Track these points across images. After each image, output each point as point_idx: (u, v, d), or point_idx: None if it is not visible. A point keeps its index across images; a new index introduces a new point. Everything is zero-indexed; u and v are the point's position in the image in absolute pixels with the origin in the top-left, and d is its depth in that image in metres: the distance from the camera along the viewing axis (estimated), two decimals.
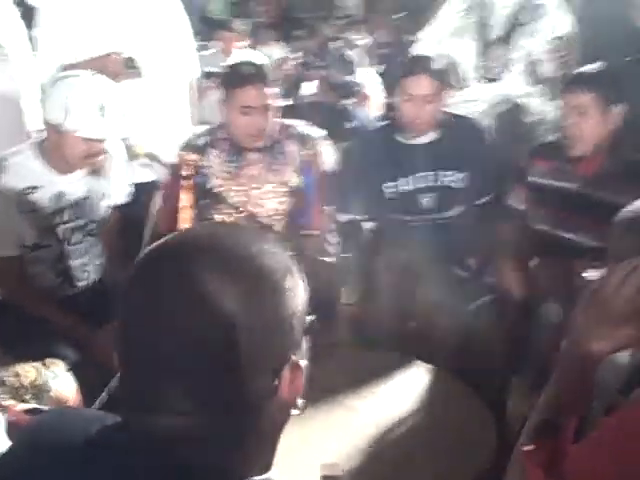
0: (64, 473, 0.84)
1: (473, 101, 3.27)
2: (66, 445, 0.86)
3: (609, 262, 1.26)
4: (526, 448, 1.17)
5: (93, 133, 2.27)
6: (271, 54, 7.82)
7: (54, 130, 2.27)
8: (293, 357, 0.84)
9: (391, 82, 4.97)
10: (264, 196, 2.66)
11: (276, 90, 2.59)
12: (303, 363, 0.86)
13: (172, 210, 2.60)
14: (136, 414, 0.81)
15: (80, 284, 2.52)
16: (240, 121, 2.53)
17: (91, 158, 2.32)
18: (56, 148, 2.30)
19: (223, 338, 0.78)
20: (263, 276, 0.82)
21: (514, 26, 3.22)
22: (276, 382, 0.82)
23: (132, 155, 2.57)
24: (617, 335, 1.16)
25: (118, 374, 0.84)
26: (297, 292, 0.85)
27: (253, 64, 2.62)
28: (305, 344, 0.88)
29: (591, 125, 2.33)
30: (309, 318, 0.88)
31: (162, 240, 0.86)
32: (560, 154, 2.45)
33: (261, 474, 0.85)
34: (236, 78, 2.53)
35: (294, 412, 0.88)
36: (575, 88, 2.33)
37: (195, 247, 0.83)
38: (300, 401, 0.88)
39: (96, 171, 2.37)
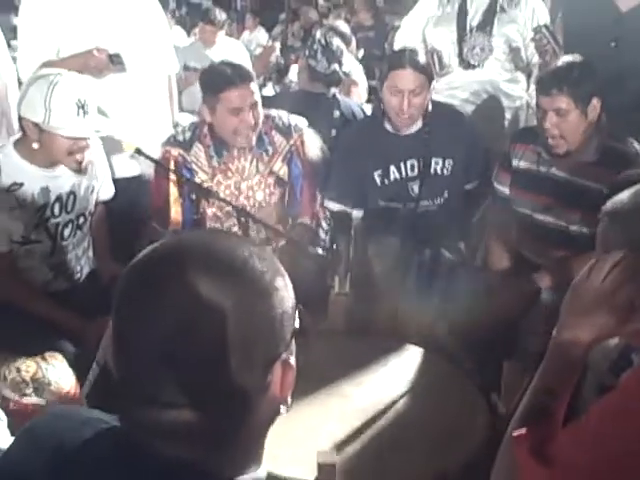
0: (60, 474, 0.87)
1: (456, 88, 3.29)
2: (61, 447, 0.89)
3: (597, 252, 1.28)
4: (516, 433, 1.20)
5: (75, 132, 2.28)
6: (255, 39, 7.82)
7: (35, 128, 2.27)
8: (284, 355, 0.88)
9: (371, 66, 4.98)
10: (253, 188, 2.68)
11: (256, 86, 2.59)
12: (293, 361, 0.90)
13: (163, 204, 2.61)
14: (131, 407, 0.85)
15: (74, 278, 2.55)
16: (230, 122, 2.53)
17: (75, 154, 2.33)
18: (38, 145, 2.30)
19: (217, 335, 0.81)
20: (254, 277, 0.85)
21: (494, 13, 3.22)
22: (268, 378, 0.86)
23: (120, 150, 2.57)
24: (600, 326, 1.20)
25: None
26: (286, 292, 0.89)
27: (233, 65, 2.60)
28: (294, 343, 0.91)
29: (572, 125, 2.34)
30: (298, 316, 0.92)
31: (155, 244, 0.89)
32: (541, 140, 2.47)
33: (251, 470, 0.89)
34: (219, 82, 2.52)
35: (282, 410, 0.91)
36: (551, 91, 2.32)
37: (188, 251, 0.86)
38: (289, 399, 0.91)
39: (80, 167, 2.38)
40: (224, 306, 0.81)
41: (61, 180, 2.42)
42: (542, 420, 1.20)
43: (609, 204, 1.30)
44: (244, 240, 0.95)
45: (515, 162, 2.60)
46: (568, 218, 2.44)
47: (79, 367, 2.03)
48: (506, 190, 2.65)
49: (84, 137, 2.31)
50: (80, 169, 2.39)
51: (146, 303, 0.83)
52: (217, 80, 2.54)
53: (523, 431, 1.18)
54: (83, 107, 2.26)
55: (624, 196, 1.29)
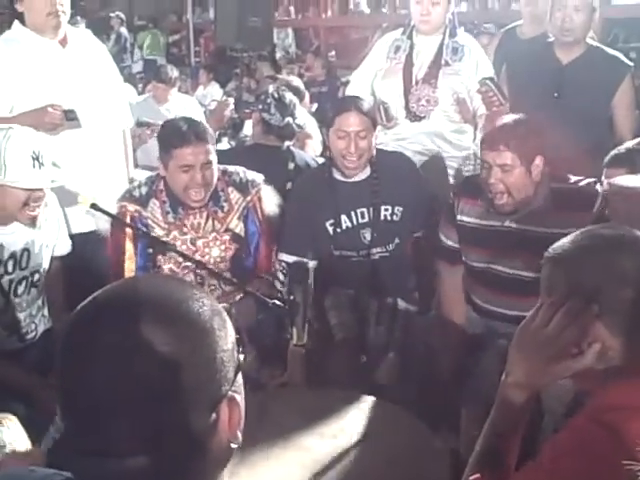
0: None
1: (403, 139, 3.34)
2: None
3: (542, 297, 1.32)
4: (472, 478, 1.22)
5: (32, 183, 2.27)
6: (209, 94, 7.89)
7: None
8: (229, 393, 0.89)
9: (324, 120, 5.08)
10: (209, 244, 2.68)
11: (213, 147, 2.60)
12: (239, 399, 0.91)
13: (118, 260, 2.60)
14: (83, 460, 0.84)
15: (28, 337, 2.50)
16: (180, 179, 2.53)
17: (30, 208, 2.32)
18: None
19: (160, 379, 0.82)
20: (192, 319, 0.87)
21: (439, 66, 3.30)
22: (215, 418, 0.87)
23: (75, 205, 2.56)
24: (546, 369, 1.23)
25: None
26: (225, 331, 0.90)
27: (192, 123, 2.61)
28: (240, 379, 0.92)
29: (516, 180, 2.35)
30: (241, 355, 0.93)
31: (96, 294, 0.90)
32: (485, 197, 2.47)
33: None
34: (174, 139, 2.53)
35: (234, 445, 0.91)
36: (498, 147, 2.34)
37: (125, 298, 0.88)
38: (239, 435, 0.92)
39: (34, 222, 2.37)
40: (163, 349, 0.82)
41: (15, 236, 2.40)
42: (495, 464, 1.22)
43: (551, 250, 1.33)
44: (179, 282, 0.95)
45: (461, 217, 2.59)
46: (521, 265, 2.45)
47: (31, 429, 1.98)
48: (454, 244, 2.65)
49: (40, 188, 2.30)
50: (34, 224, 2.37)
51: (87, 354, 0.84)
52: (172, 137, 2.55)
53: (478, 475, 1.20)
54: (38, 159, 2.27)
55: (566, 241, 1.32)
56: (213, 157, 2.57)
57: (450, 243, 2.66)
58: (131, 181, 3.09)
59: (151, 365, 0.82)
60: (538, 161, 2.37)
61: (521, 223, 2.45)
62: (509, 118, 2.47)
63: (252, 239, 2.75)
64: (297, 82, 5.08)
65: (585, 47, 3.13)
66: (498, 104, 2.97)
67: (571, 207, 2.32)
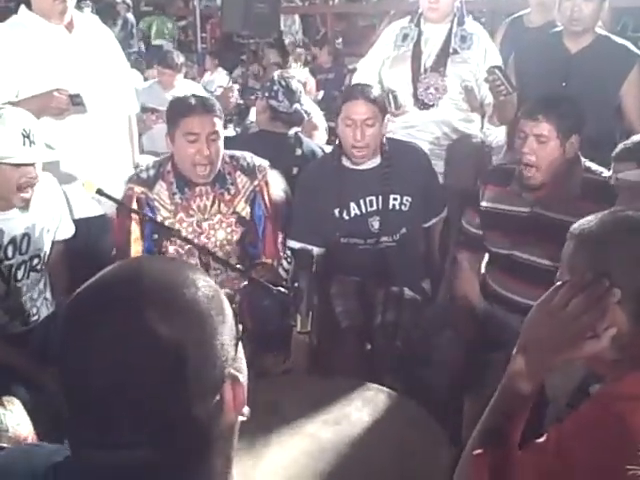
0: None
1: (412, 127, 3.34)
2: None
3: (561, 272, 1.30)
4: (475, 452, 1.21)
5: (22, 158, 2.27)
6: (216, 81, 7.86)
7: None
8: (231, 372, 0.88)
9: (331, 107, 5.07)
10: (214, 226, 2.68)
11: (220, 121, 2.61)
12: (242, 376, 0.90)
13: (125, 243, 2.60)
14: (88, 451, 0.83)
15: (31, 320, 2.51)
16: (186, 151, 2.54)
17: (24, 189, 2.32)
18: None
19: (162, 365, 0.82)
20: (192, 307, 0.86)
21: (447, 54, 3.30)
22: (219, 401, 0.86)
23: (80, 190, 2.55)
24: (559, 349, 1.21)
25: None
26: (223, 313, 0.89)
27: (201, 97, 2.65)
28: (241, 355, 0.92)
29: (549, 154, 2.37)
30: (240, 331, 0.92)
31: (93, 279, 0.89)
32: (513, 179, 2.49)
33: None
34: (181, 108, 2.55)
35: (241, 418, 0.91)
36: (537, 116, 2.36)
37: (125, 285, 0.86)
38: (246, 409, 0.91)
39: (27, 205, 2.37)
40: (163, 333, 0.82)
41: (15, 222, 2.40)
42: (499, 441, 1.21)
43: (577, 226, 1.30)
44: (178, 267, 0.92)
45: (487, 203, 2.60)
46: (544, 254, 2.43)
47: (33, 413, 1.99)
48: (477, 231, 2.66)
49: (31, 162, 2.30)
50: (27, 207, 2.37)
51: (87, 342, 0.83)
52: (180, 107, 2.57)
53: (480, 451, 1.19)
54: (29, 137, 2.27)
55: (592, 220, 1.29)
56: (220, 130, 2.58)
57: (473, 230, 2.67)
58: (137, 166, 3.09)
59: (152, 355, 0.81)
60: (574, 139, 2.38)
61: (547, 209, 2.45)
62: (553, 93, 2.50)
63: (259, 223, 2.75)
64: (302, 74, 5.06)
65: (594, 36, 3.11)
66: (506, 93, 2.95)
67: (601, 199, 2.28)
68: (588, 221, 1.29)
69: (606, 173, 2.42)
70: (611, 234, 1.25)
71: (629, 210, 1.31)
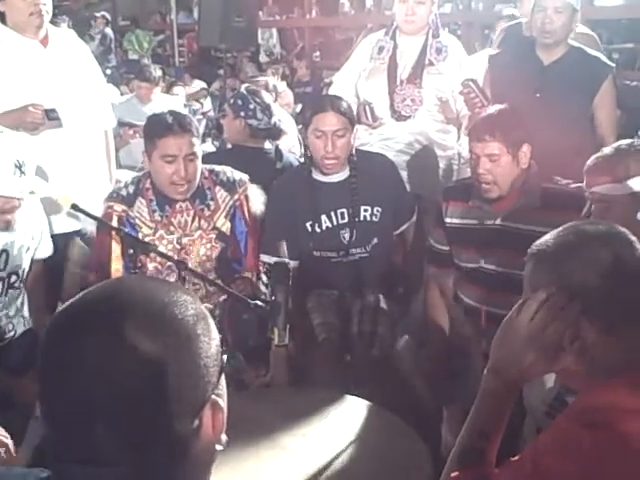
0: None
1: (389, 139, 3.36)
2: None
3: (525, 293, 1.31)
4: (453, 474, 1.22)
5: (10, 191, 2.26)
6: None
7: None
8: (212, 397, 0.88)
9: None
10: (195, 242, 2.68)
11: (198, 140, 2.61)
12: (222, 402, 0.90)
13: (104, 261, 2.59)
14: (66, 467, 0.83)
15: (6, 337, 2.49)
16: (164, 170, 2.54)
17: (5, 214, 2.30)
18: None
19: (143, 387, 0.81)
20: (176, 326, 0.86)
21: (423, 66, 3.32)
22: (199, 423, 0.86)
23: (57, 207, 2.54)
24: (529, 364, 1.23)
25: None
26: (209, 336, 0.89)
27: (177, 115, 2.63)
28: (223, 382, 0.92)
29: (504, 170, 2.40)
30: (224, 358, 0.92)
31: (76, 298, 0.89)
32: (475, 193, 2.52)
33: None
34: (158, 128, 2.54)
35: (218, 447, 0.91)
36: (484, 137, 2.40)
37: (108, 303, 0.86)
38: (223, 437, 0.91)
39: (8, 226, 2.35)
40: (146, 354, 0.81)
41: None
42: (475, 461, 1.22)
43: (534, 246, 1.32)
44: (163, 285, 0.93)
45: (451, 219, 2.62)
46: (510, 264, 2.41)
47: (10, 429, 1.96)
48: (443, 247, 2.67)
49: (19, 197, 2.28)
50: (8, 228, 2.36)
51: (70, 359, 0.83)
52: (156, 126, 2.56)
53: (457, 473, 1.20)
54: (20, 168, 2.25)
55: (548, 237, 1.31)
56: (197, 150, 2.58)
57: (439, 246, 2.69)
58: (116, 182, 3.08)
59: (134, 373, 0.81)
60: (525, 149, 2.42)
61: (510, 221, 2.47)
62: (493, 109, 2.53)
63: (240, 238, 2.75)
64: (272, 81, 5.07)
65: (566, 48, 3.14)
66: (480, 105, 2.98)
67: (560, 207, 2.33)
68: (545, 240, 1.31)
69: (565, 181, 2.48)
70: (567, 247, 1.27)
71: (584, 224, 1.34)
